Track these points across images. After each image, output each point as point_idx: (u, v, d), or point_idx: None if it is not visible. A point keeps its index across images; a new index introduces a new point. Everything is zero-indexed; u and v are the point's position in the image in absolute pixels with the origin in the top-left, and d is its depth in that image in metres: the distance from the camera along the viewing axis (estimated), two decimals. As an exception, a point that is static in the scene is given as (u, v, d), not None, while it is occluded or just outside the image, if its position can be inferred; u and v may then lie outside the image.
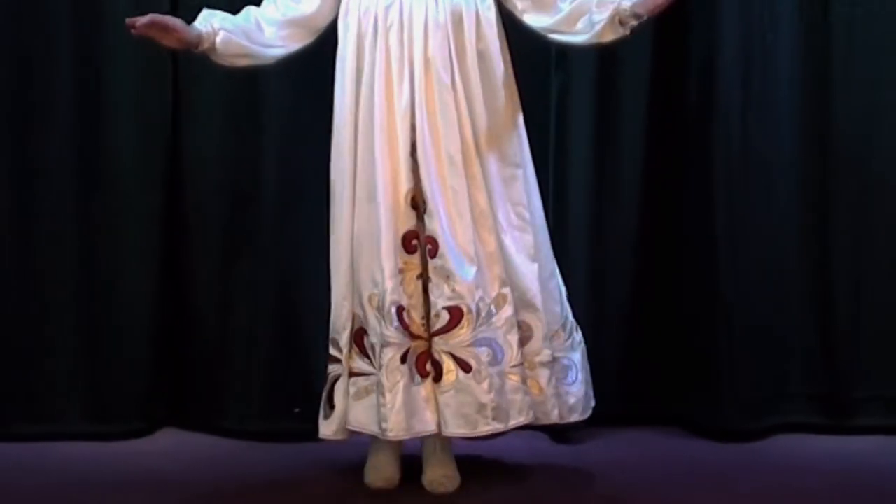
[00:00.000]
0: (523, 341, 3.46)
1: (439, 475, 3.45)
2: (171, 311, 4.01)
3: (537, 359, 3.48)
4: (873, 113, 3.98)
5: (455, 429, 3.37)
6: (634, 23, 3.34)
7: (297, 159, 3.85)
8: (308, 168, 3.71)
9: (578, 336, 3.61)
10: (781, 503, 3.46)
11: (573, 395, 3.53)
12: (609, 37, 3.38)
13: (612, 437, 3.97)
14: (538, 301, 3.48)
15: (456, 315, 3.37)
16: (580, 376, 3.58)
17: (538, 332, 3.48)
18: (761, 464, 3.74)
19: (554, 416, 3.51)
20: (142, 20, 3.30)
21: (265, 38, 3.46)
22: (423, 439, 3.46)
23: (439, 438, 3.44)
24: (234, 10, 3.51)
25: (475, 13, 3.39)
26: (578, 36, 3.41)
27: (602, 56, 3.86)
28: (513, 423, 3.40)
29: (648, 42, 3.88)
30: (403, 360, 3.38)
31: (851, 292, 4.02)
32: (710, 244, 3.94)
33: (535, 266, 3.48)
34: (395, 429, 3.35)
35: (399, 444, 3.47)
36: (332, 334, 3.50)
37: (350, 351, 3.44)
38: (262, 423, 3.88)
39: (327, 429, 3.47)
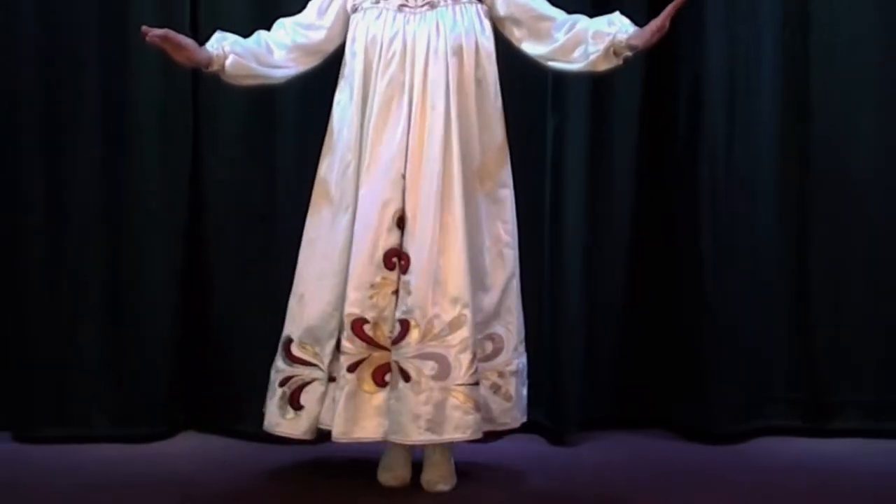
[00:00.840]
0: (494, 353, 3.47)
1: (435, 475, 3.46)
2: (191, 322, 4.04)
3: (508, 368, 3.49)
4: (849, 137, 4.03)
5: (392, 434, 3.37)
6: (629, 53, 3.36)
7: (307, 182, 3.80)
8: None
9: (522, 346, 3.62)
10: (765, 502, 3.48)
11: (518, 404, 3.54)
12: (603, 66, 3.40)
13: (607, 440, 3.98)
14: (514, 314, 3.49)
15: (405, 327, 3.35)
16: (524, 388, 3.58)
17: (509, 344, 3.48)
18: (746, 465, 3.76)
19: (519, 421, 3.51)
20: (156, 31, 3.30)
21: (274, 60, 3.45)
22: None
23: (399, 442, 3.42)
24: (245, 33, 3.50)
25: (475, 43, 3.41)
26: (574, 64, 3.43)
27: (596, 85, 3.89)
28: (446, 437, 3.37)
29: (639, 72, 3.92)
30: (351, 369, 3.36)
31: (830, 304, 4.06)
32: (697, 259, 3.98)
33: (515, 281, 3.48)
34: (337, 431, 3.36)
35: (410, 446, 3.46)
36: (300, 336, 3.47)
37: (333, 358, 3.43)
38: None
39: (295, 428, 3.45)
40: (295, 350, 3.46)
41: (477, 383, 3.41)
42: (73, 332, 3.96)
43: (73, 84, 3.93)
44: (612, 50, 3.35)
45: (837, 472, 3.73)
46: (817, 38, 4.01)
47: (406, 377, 3.35)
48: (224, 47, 3.38)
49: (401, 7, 3.40)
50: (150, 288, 3.98)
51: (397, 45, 3.38)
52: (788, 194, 4.04)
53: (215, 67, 3.38)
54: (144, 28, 3.29)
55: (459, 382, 3.35)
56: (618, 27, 3.35)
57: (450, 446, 3.46)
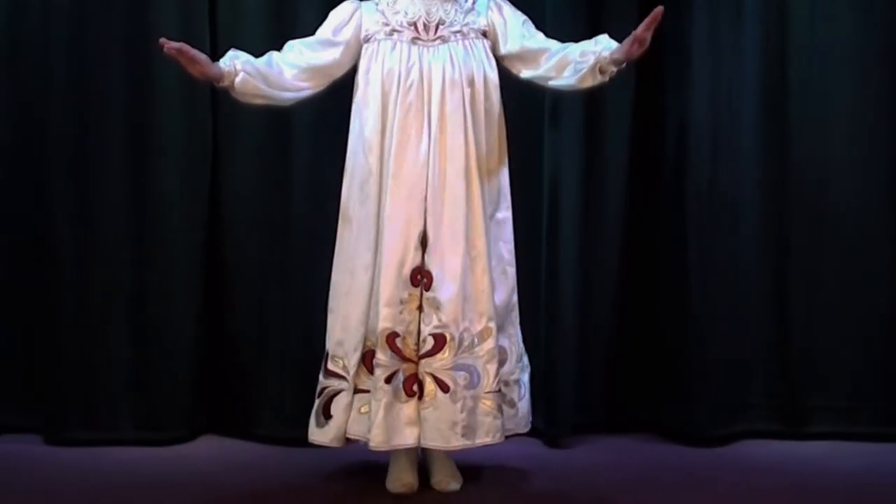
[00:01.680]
0: (500, 364, 3.48)
1: (446, 475, 3.50)
2: (212, 332, 4.06)
3: (512, 377, 3.53)
4: (824, 162, 4.06)
5: (430, 441, 3.40)
6: (613, 69, 3.37)
7: (322, 201, 3.85)
8: (332, 209, 3.70)
9: (526, 359, 3.64)
10: (745, 500, 3.52)
11: (520, 410, 3.57)
12: (589, 82, 3.41)
13: (598, 443, 4.02)
14: (515, 328, 3.54)
15: (440, 341, 3.38)
16: (526, 395, 3.60)
17: (513, 356, 3.52)
18: (728, 466, 3.81)
19: (523, 428, 3.56)
20: (173, 44, 3.30)
21: (284, 81, 3.43)
22: (426, 449, 3.48)
23: (440, 449, 3.45)
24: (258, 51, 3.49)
25: (483, 75, 3.45)
26: (563, 80, 3.44)
27: (589, 111, 3.94)
28: (479, 441, 3.41)
29: (629, 101, 3.97)
30: (389, 380, 3.38)
31: (805, 316, 4.10)
32: (683, 274, 4.02)
33: (515, 297, 3.53)
34: (376, 440, 3.37)
35: (414, 454, 3.50)
36: (333, 351, 3.49)
37: (358, 371, 3.45)
38: (291, 430, 3.85)
39: (324, 436, 3.47)
40: (329, 363, 3.49)
41: (500, 390, 3.46)
42: (100, 341, 3.98)
43: (99, 106, 3.95)
44: (598, 67, 3.36)
45: (813, 472, 3.75)
46: (794, 69, 4.03)
47: (444, 388, 3.38)
48: (235, 65, 3.37)
49: (414, 40, 3.42)
50: (173, 299, 4.00)
51: (415, 75, 3.40)
52: (767, 214, 4.07)
53: (225, 83, 3.37)
54: (162, 40, 3.28)
55: (488, 390, 3.41)
56: (602, 45, 3.37)
57: (451, 452, 3.48)
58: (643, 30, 3.26)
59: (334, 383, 3.47)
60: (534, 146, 3.93)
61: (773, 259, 4.10)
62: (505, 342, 3.51)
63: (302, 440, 3.73)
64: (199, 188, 4.00)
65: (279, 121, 3.89)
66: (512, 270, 3.53)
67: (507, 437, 3.53)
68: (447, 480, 3.49)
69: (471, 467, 3.59)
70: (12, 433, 4.02)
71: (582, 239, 4.04)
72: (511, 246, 3.53)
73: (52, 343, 4.00)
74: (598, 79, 3.39)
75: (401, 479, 3.49)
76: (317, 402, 3.50)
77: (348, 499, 3.48)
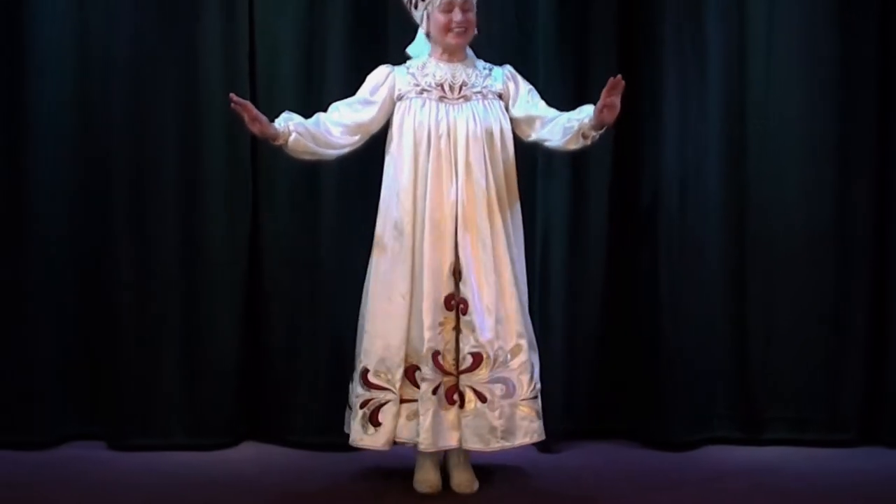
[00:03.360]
0: (532, 375, 3.55)
1: (465, 479, 3.59)
2: (252, 352, 4.12)
3: (537, 387, 3.60)
4: (777, 206, 4.13)
5: (472, 444, 3.51)
6: (594, 133, 3.47)
7: (346, 240, 3.98)
8: (354, 246, 3.83)
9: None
10: (712, 498, 3.59)
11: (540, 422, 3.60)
12: (573, 145, 3.52)
13: (585, 448, 4.08)
14: (534, 346, 3.61)
15: (477, 359, 3.49)
16: (539, 409, 3.61)
17: (536, 370, 3.60)
18: (696, 468, 3.88)
19: (540, 435, 3.60)
20: (241, 100, 3.42)
21: (331, 140, 3.52)
22: (447, 452, 3.59)
23: (462, 452, 3.57)
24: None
25: (500, 129, 3.56)
26: (554, 143, 3.56)
27: (575, 164, 4.02)
28: (518, 442, 3.52)
29: (610, 153, 4.07)
30: (434, 392, 3.49)
31: (762, 339, 4.16)
32: (656, 302, 4.09)
33: (528, 320, 3.61)
34: (426, 443, 3.49)
35: (436, 457, 3.59)
36: (374, 367, 3.53)
37: (403, 384, 3.52)
38: (322, 437, 3.95)
39: (375, 441, 3.53)
40: (371, 378, 3.53)
41: (536, 397, 3.54)
42: (157, 361, 4.06)
43: (155, 159, 4.04)
44: (581, 132, 3.47)
45: (769, 474, 3.81)
46: (752, 127, 4.10)
47: (482, 399, 3.48)
48: (289, 126, 3.47)
49: (441, 98, 3.53)
50: (219, 325, 4.07)
51: (443, 128, 3.51)
52: (728, 250, 4.13)
53: (280, 142, 3.48)
54: (232, 95, 3.42)
55: (523, 398, 3.52)
56: (585, 113, 3.47)
57: (470, 455, 3.58)
58: (605, 96, 3.36)
59: (379, 395, 3.53)
60: (529, 191, 3.94)
61: (734, 290, 4.15)
62: (535, 358, 3.59)
63: (331, 445, 3.85)
64: (241, 229, 4.07)
65: (310, 173, 3.98)
66: (526, 300, 3.61)
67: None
68: (467, 484, 3.58)
69: (474, 470, 3.63)
70: (79, 440, 4.09)
71: (569, 272, 4.08)
72: (525, 278, 3.60)
73: (114, 361, 4.06)
74: (582, 142, 3.50)
75: (427, 480, 3.57)
76: (360, 411, 3.54)
77: (376, 498, 3.55)
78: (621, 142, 4.04)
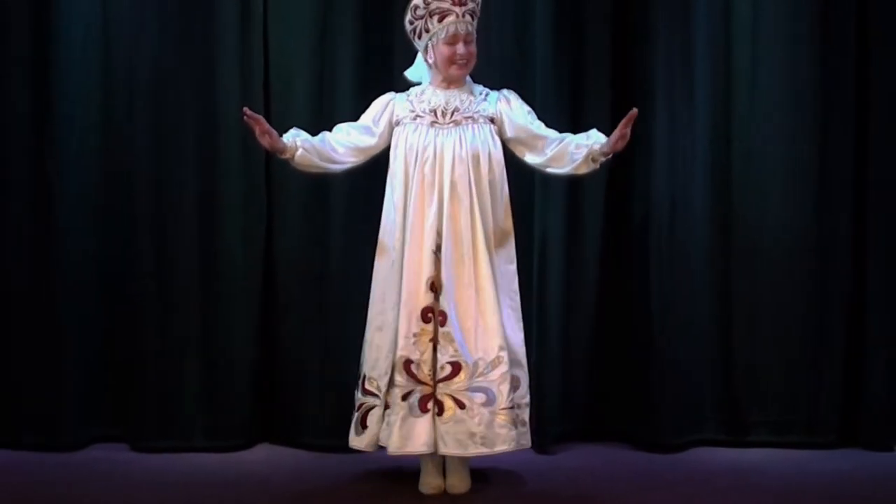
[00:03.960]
0: (514, 389, 3.58)
1: (456, 480, 3.63)
2: (266, 360, 4.16)
3: (524, 401, 3.64)
4: (760, 218, 4.16)
5: (452, 449, 3.51)
6: (603, 159, 3.55)
7: (353, 255, 4.01)
8: (360, 261, 3.85)
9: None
10: (699, 497, 3.62)
11: (528, 429, 3.65)
12: (583, 170, 3.59)
13: (580, 450, 4.12)
14: (523, 360, 3.65)
15: (456, 368, 3.50)
16: (527, 420, 3.66)
17: (524, 383, 3.64)
18: (684, 469, 3.92)
19: (525, 444, 3.62)
20: (254, 114, 3.50)
21: (334, 157, 3.59)
22: (446, 456, 3.58)
23: (458, 455, 3.57)
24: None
25: (488, 153, 3.59)
26: (562, 169, 3.61)
27: (571, 183, 4.03)
28: (497, 449, 3.51)
29: (604, 171, 4.01)
30: (404, 398, 3.52)
31: (747, 346, 4.19)
32: (647, 312, 4.12)
33: (521, 335, 3.65)
34: (392, 446, 3.52)
35: (438, 460, 3.60)
36: (369, 373, 3.59)
37: (388, 391, 3.56)
38: (331, 439, 3.99)
39: (361, 442, 3.60)
40: (366, 384, 3.61)
41: (515, 407, 3.53)
42: (177, 368, 4.11)
43: (174, 177, 4.09)
44: (591, 157, 3.54)
45: (753, 474, 3.84)
46: (736, 148, 4.15)
47: (461, 406, 3.49)
48: (297, 142, 3.56)
49: (433, 123, 3.58)
50: (235, 335, 4.11)
51: (430, 152, 3.56)
52: (715, 261, 4.17)
53: (287, 156, 3.56)
54: (245, 109, 3.50)
55: (503, 407, 3.51)
56: (594, 140, 3.54)
57: (467, 458, 3.60)
58: (622, 128, 3.46)
59: (370, 400, 3.60)
60: (527, 209, 4.03)
61: (719, 301, 4.18)
62: (519, 372, 3.60)
63: (337, 447, 3.90)
64: (256, 243, 4.11)
65: (320, 191, 4.05)
66: (519, 315, 3.63)
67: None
68: (458, 485, 3.61)
69: (474, 471, 3.69)
70: (104, 442, 4.14)
71: (565, 284, 4.13)
72: (514, 295, 3.61)
73: (138, 369, 4.11)
74: (591, 166, 3.57)
75: (430, 482, 3.62)
76: (355, 415, 3.62)
77: (378, 497, 3.59)
78: (615, 163, 4.04)
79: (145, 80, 4.08)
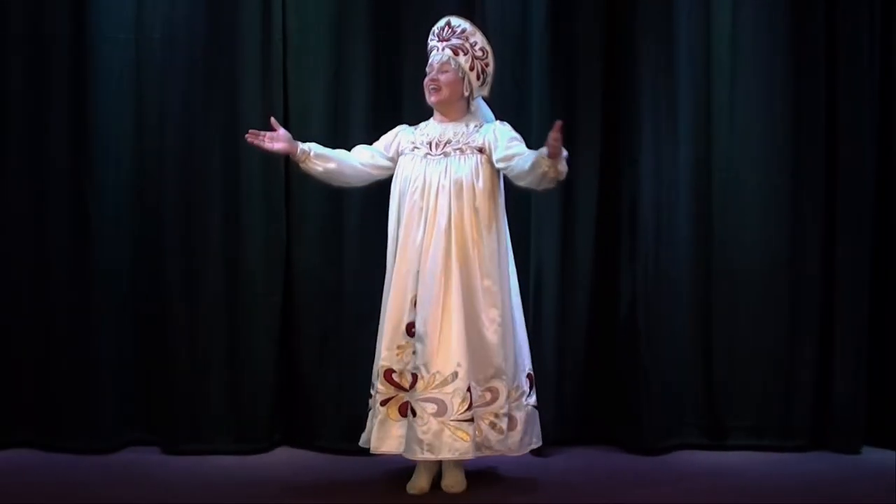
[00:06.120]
0: (492, 401, 3.58)
1: (451, 480, 3.66)
2: (285, 371, 4.20)
3: (502, 412, 3.62)
4: (738, 236, 4.22)
5: (404, 453, 3.57)
6: (550, 162, 3.38)
7: (366, 273, 4.06)
8: (373, 279, 3.88)
9: (525, 400, 3.69)
10: (681, 498, 3.67)
11: (511, 438, 3.67)
12: (538, 171, 3.41)
13: (573, 453, 4.16)
14: (503, 373, 3.60)
15: (414, 378, 3.56)
16: (520, 427, 3.66)
17: (502, 395, 3.61)
18: (668, 471, 3.97)
19: (513, 449, 3.66)
20: (253, 131, 3.58)
21: (353, 161, 3.65)
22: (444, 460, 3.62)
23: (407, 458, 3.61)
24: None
25: (471, 184, 3.60)
26: (523, 167, 3.50)
27: (564, 199, 4.10)
28: (442, 456, 3.52)
29: (595, 191, 4.15)
30: (383, 404, 3.60)
31: (725, 358, 4.25)
32: (635, 328, 4.16)
33: (503, 350, 3.60)
34: (372, 446, 3.60)
35: (431, 465, 3.63)
36: (373, 379, 3.68)
37: (374, 396, 3.65)
38: (346, 443, 4.02)
39: (361, 441, 3.71)
40: (371, 390, 3.69)
41: (470, 420, 3.52)
42: (205, 378, 4.16)
43: (200, 201, 4.13)
44: (541, 158, 3.42)
45: (731, 475, 3.89)
46: (716, 169, 4.17)
47: (414, 413, 3.54)
48: (311, 144, 3.67)
49: (426, 154, 3.64)
50: (258, 347, 4.16)
51: (419, 181, 3.62)
52: (697, 274, 4.22)
53: (301, 157, 3.63)
54: (248, 134, 3.59)
55: (453, 418, 3.52)
56: (542, 151, 3.43)
57: (461, 460, 3.62)
58: (551, 136, 3.37)
59: (370, 403, 3.71)
60: (524, 237, 4.08)
61: (701, 317, 4.22)
62: (498, 384, 3.58)
63: (354, 450, 3.91)
64: (277, 263, 4.14)
65: (336, 215, 4.12)
66: (501, 331, 3.57)
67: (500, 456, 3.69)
68: (453, 484, 3.64)
69: (475, 472, 3.75)
70: (137, 445, 4.19)
71: (558, 302, 4.16)
72: (501, 311, 3.57)
73: (169, 381, 4.16)
74: (544, 169, 3.41)
75: (416, 484, 3.66)
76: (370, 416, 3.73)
77: (382, 497, 3.64)
78: (604, 181, 4.15)
79: (174, 114, 4.15)
